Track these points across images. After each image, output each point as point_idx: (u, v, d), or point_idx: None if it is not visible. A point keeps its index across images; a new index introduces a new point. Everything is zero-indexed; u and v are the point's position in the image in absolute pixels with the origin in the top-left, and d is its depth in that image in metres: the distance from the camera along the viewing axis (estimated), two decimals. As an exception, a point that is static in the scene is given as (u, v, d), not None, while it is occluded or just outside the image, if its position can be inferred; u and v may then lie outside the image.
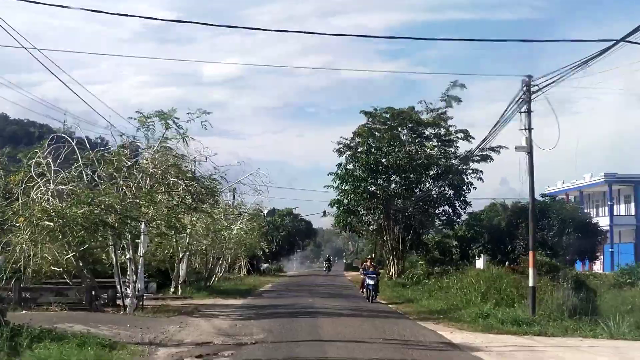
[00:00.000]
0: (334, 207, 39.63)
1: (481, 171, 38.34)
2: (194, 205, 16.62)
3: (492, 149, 36.82)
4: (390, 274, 39.13)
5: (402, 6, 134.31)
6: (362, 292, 25.45)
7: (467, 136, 38.46)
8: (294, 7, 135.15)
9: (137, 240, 17.76)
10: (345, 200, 38.80)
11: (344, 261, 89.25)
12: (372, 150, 37.85)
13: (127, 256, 17.33)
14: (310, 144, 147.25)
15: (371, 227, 41.24)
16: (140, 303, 17.72)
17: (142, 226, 17.36)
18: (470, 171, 38.62)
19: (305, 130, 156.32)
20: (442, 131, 38.80)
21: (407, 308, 21.51)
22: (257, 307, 21.13)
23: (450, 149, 38.96)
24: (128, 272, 17.44)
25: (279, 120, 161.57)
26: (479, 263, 48.57)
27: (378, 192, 38.40)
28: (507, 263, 39.21)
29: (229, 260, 39.87)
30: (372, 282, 23.72)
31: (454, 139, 38.84)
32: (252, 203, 30.68)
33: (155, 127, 17.53)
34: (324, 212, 47.60)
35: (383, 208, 38.41)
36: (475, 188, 38.81)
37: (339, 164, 39.07)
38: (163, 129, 17.49)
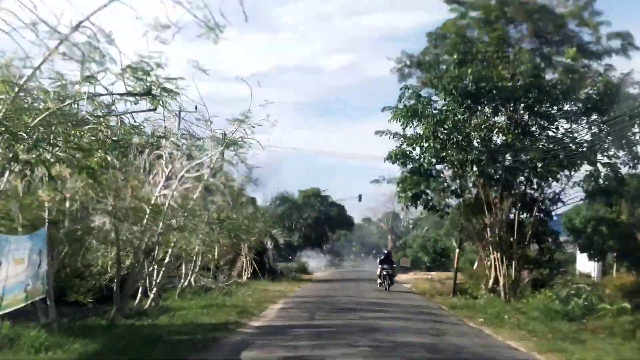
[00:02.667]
0: (397, 164, 22.52)
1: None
2: None
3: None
4: (492, 284, 22.44)
5: (429, 5, 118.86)
6: None
7: (628, 45, 21.48)
8: (320, 7, 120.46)
9: None
10: (416, 151, 21.99)
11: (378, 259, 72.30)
12: (466, 61, 21.04)
13: None
14: (337, 139, 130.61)
15: (457, 200, 23.70)
16: None
17: None
18: None
19: (332, 125, 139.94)
20: (587, 36, 21.95)
21: None
22: None
23: (599, 66, 21.98)
24: None
25: (305, 117, 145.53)
26: (588, 267, 31.14)
27: (473, 132, 21.50)
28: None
29: (214, 257, 23.15)
30: None
31: (604, 51, 21.91)
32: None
33: None
34: (360, 196, 33.95)
35: (482, 165, 21.38)
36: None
37: (404, 88, 22.29)
38: None
